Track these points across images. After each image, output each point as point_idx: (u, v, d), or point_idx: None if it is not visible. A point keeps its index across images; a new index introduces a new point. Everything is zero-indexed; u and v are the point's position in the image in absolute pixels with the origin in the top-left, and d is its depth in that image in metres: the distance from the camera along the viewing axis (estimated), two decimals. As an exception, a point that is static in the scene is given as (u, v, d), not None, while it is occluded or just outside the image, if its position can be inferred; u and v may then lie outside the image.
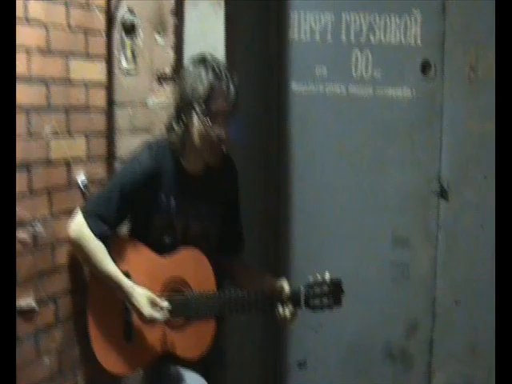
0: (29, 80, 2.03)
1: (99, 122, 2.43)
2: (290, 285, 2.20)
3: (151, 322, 2.13)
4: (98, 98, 2.43)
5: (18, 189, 1.95)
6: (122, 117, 2.56)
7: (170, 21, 2.53)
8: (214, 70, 2.11)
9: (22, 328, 2.01)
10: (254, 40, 2.97)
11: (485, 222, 2.99)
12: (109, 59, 2.51)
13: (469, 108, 2.99)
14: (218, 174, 2.25)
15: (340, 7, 3.00)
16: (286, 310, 2.18)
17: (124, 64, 2.56)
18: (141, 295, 2.12)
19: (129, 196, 2.16)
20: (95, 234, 2.13)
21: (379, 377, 3.14)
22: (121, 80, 2.56)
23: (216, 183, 2.26)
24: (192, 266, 2.19)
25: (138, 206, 2.18)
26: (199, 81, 2.10)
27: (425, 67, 3.00)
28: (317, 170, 3.07)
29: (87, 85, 2.35)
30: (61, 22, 2.19)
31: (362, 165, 3.06)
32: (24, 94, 2.00)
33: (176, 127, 2.16)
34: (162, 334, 2.18)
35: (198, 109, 2.10)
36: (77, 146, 2.30)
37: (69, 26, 2.23)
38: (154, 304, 2.12)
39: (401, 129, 3.05)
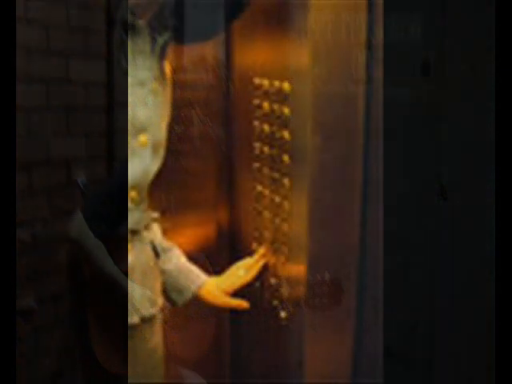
0: (29, 80, 2.03)
1: (99, 122, 2.43)
2: (290, 285, 2.20)
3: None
4: (98, 98, 2.43)
5: (18, 189, 1.95)
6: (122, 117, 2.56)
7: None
8: (213, 70, 2.11)
9: (22, 328, 2.00)
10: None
11: (485, 222, 2.99)
12: (109, 59, 2.50)
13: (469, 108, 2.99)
14: (218, 174, 2.25)
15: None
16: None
17: (124, 64, 2.56)
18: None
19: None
20: (95, 234, 2.13)
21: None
22: (121, 80, 2.56)
23: (216, 183, 2.26)
24: (192, 266, 2.19)
25: (137, 205, 2.18)
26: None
27: (425, 67, 3.00)
28: (317, 170, 3.07)
29: (87, 85, 2.35)
30: (61, 22, 2.19)
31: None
32: (24, 94, 2.00)
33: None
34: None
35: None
36: (77, 146, 2.30)
37: (69, 26, 2.23)
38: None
39: (401, 129, 3.04)
